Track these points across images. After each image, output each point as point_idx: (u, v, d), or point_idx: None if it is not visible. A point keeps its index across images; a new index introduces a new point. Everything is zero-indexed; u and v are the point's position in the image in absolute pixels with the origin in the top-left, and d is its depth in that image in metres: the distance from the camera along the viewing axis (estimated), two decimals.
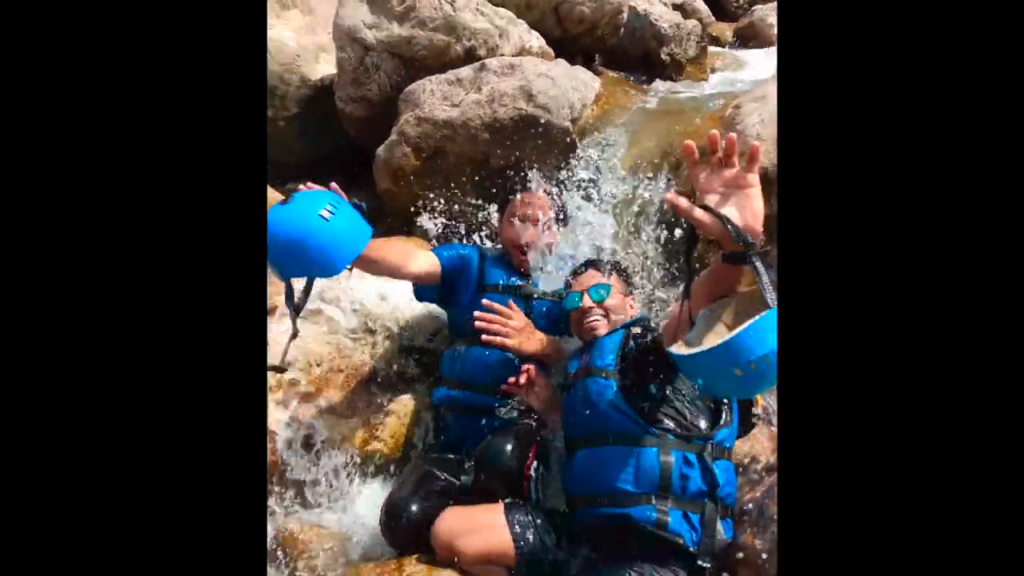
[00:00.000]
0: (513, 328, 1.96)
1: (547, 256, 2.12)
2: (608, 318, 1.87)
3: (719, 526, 1.51)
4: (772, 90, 2.38)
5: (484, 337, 1.95)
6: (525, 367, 1.89)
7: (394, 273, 2.01)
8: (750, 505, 1.59)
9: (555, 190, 2.20)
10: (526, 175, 2.17)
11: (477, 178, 2.58)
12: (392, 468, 2.20)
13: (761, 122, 2.24)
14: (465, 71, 2.67)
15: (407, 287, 2.32)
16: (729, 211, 1.23)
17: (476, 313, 1.95)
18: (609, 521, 1.57)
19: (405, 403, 2.28)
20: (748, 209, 1.23)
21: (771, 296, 1.18)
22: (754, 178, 1.24)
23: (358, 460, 2.20)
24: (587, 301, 1.87)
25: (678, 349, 1.31)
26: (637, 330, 1.76)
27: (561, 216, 2.15)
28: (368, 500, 2.11)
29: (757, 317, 1.16)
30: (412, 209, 2.67)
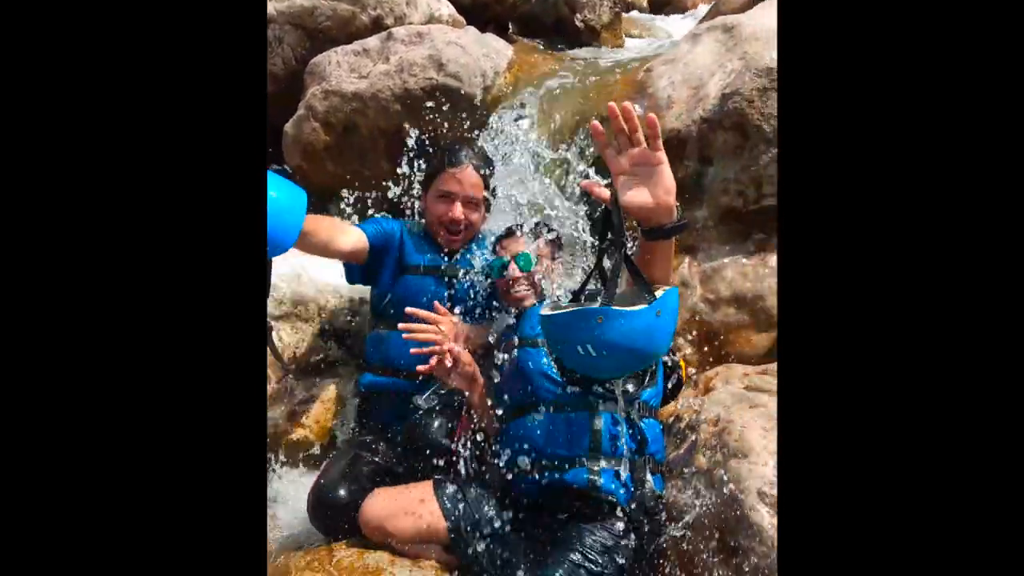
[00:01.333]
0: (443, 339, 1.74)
1: (478, 235, 2.06)
2: (535, 288, 1.85)
3: (649, 481, 1.54)
4: (682, 52, 2.39)
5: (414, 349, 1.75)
6: (440, 349, 1.73)
7: (324, 250, 1.88)
8: (676, 461, 1.62)
9: (484, 164, 2.03)
10: (457, 148, 2.02)
11: (393, 152, 2.50)
12: (318, 454, 2.14)
13: (671, 84, 2.25)
14: (372, 41, 2.58)
15: (324, 267, 2.24)
16: (640, 192, 1.26)
17: (401, 325, 1.73)
18: (545, 487, 1.58)
19: (329, 388, 2.22)
20: (660, 186, 1.26)
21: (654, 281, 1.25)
22: (661, 154, 1.26)
23: (283, 447, 2.13)
24: (513, 271, 1.85)
25: (544, 310, 1.31)
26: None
27: (491, 191, 2.05)
28: (295, 487, 2.05)
29: (632, 307, 1.16)
30: (328, 186, 2.59)
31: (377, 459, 1.88)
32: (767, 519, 1.29)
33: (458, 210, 1.96)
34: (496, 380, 1.80)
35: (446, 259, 2.02)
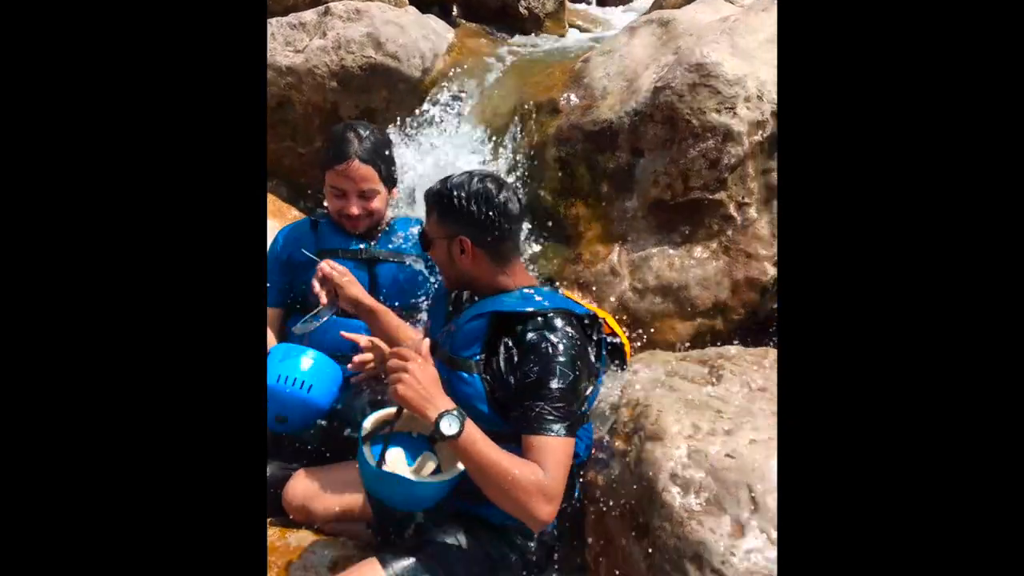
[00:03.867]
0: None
1: (384, 220, 2.00)
2: (443, 276, 1.63)
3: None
4: (619, 44, 2.43)
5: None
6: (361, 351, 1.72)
7: None
8: (596, 444, 1.66)
9: (375, 151, 1.91)
10: (341, 141, 1.88)
11: (328, 130, 2.45)
12: None
13: (607, 75, 2.29)
14: (309, 15, 2.53)
15: None
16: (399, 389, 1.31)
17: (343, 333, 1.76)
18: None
19: None
20: (412, 388, 1.31)
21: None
22: (410, 363, 1.33)
23: None
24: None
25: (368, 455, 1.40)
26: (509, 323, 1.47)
27: (390, 179, 1.96)
28: None
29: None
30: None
31: (300, 440, 1.86)
32: (678, 500, 1.34)
33: (352, 206, 1.90)
34: None
35: (366, 243, 1.97)
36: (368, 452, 1.39)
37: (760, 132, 2.08)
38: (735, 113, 2.06)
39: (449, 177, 1.56)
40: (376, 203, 1.93)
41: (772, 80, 2.13)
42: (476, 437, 1.29)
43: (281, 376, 1.67)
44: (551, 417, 1.34)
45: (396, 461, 1.42)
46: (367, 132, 1.92)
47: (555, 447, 1.33)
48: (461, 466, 1.35)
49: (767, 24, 2.31)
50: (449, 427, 1.26)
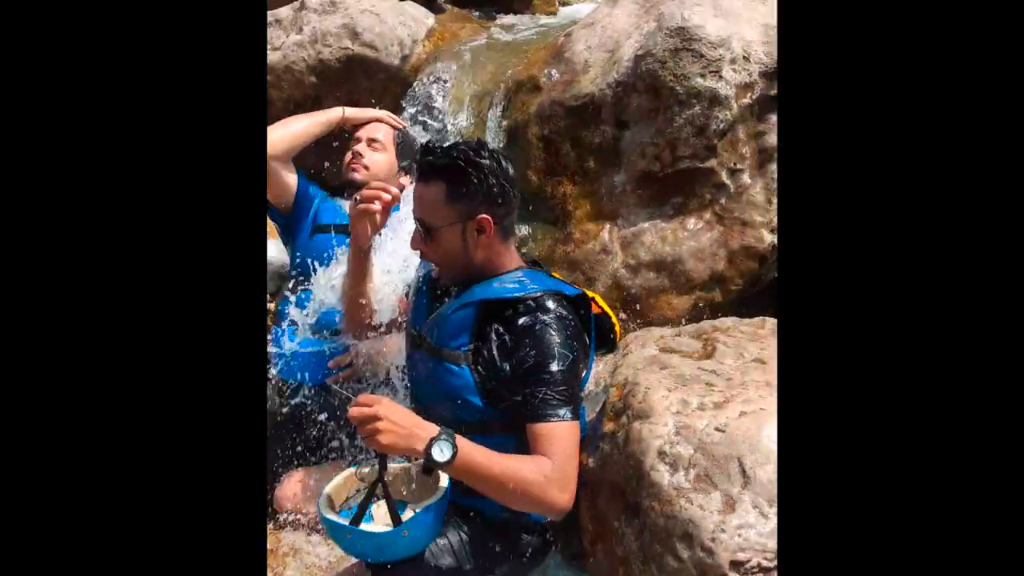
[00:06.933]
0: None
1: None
2: (440, 266, 1.50)
3: None
4: (601, 16, 2.36)
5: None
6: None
7: (273, 164, 1.99)
8: (588, 426, 1.62)
9: (400, 131, 2.11)
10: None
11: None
12: None
13: (588, 48, 2.22)
14: (284, 11, 2.50)
15: None
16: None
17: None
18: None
19: None
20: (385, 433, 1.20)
21: None
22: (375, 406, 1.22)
23: None
24: (414, 240, 1.46)
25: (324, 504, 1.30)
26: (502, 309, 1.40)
27: (403, 155, 2.06)
28: None
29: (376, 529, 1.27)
30: None
31: (294, 438, 1.85)
32: (666, 478, 1.30)
33: (359, 144, 2.05)
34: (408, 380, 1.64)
35: None
36: (337, 519, 1.27)
37: (749, 94, 2.01)
38: (721, 76, 1.98)
39: (447, 147, 1.41)
40: (378, 156, 2.05)
41: (759, 39, 2.05)
42: (471, 452, 1.21)
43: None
44: (555, 402, 1.29)
45: (383, 515, 1.31)
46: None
47: (564, 432, 1.28)
48: (444, 483, 1.30)
49: None
50: (442, 453, 1.17)
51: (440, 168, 1.37)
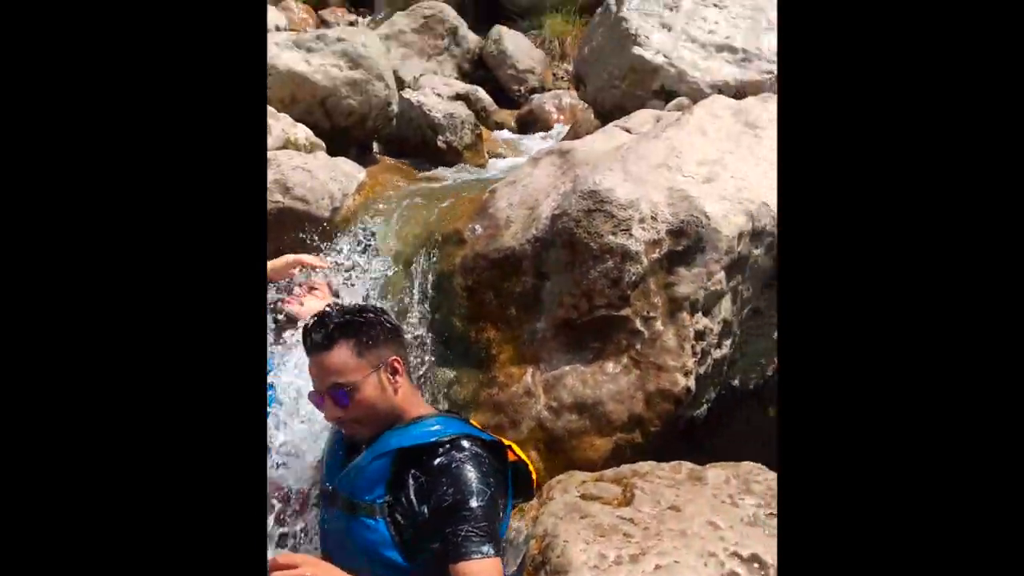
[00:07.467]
0: None
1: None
2: (363, 424, 1.48)
3: None
4: (523, 175, 2.56)
5: None
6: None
7: None
8: None
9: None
10: None
11: None
12: None
13: (510, 205, 2.39)
14: None
15: None
16: None
17: None
18: None
19: None
20: None
21: None
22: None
23: None
24: (330, 411, 1.46)
25: None
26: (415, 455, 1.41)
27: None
28: None
29: None
30: None
31: None
32: None
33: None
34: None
35: None
36: None
37: (657, 250, 2.18)
38: (631, 234, 2.16)
39: (345, 309, 1.53)
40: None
41: (664, 201, 2.25)
42: None
43: None
44: (477, 538, 1.29)
45: None
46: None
47: (488, 569, 1.28)
48: None
49: (659, 150, 2.47)
50: None
51: (341, 327, 1.44)
